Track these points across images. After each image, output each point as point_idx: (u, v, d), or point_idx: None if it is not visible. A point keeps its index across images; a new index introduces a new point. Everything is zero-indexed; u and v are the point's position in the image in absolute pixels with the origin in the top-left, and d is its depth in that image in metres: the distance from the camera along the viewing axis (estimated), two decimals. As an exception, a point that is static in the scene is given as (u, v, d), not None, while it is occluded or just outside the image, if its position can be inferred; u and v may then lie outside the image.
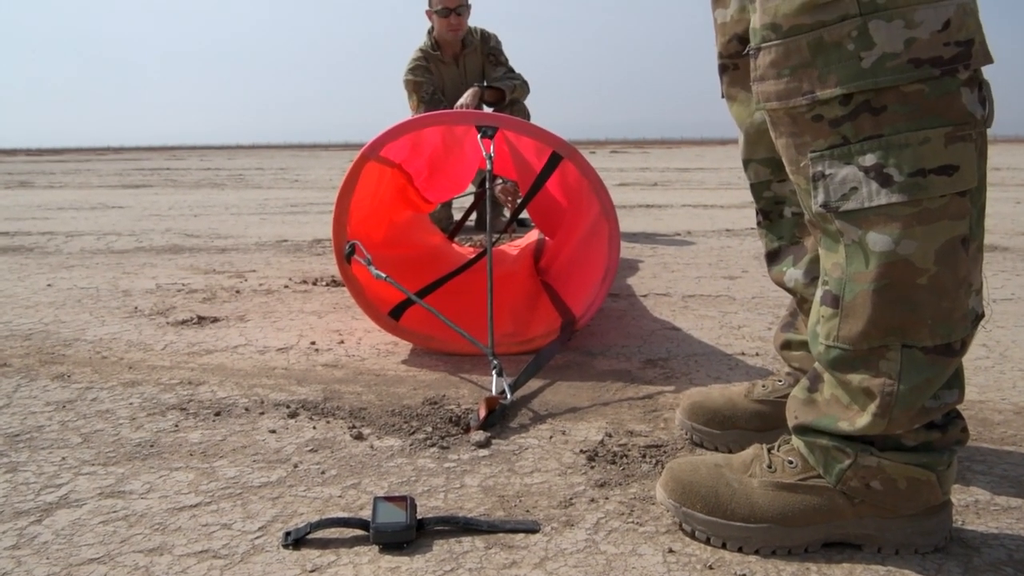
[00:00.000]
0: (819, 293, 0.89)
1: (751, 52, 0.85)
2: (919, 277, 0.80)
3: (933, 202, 0.78)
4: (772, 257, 1.17)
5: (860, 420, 0.86)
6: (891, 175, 0.78)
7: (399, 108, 3.97)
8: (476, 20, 3.81)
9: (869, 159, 0.79)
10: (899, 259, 0.80)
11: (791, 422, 0.94)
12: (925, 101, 0.76)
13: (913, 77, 0.75)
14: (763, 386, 1.23)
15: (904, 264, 0.80)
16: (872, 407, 0.85)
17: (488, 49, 3.88)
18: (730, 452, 1.18)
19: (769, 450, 0.97)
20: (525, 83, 3.78)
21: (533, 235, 3.09)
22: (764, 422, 1.20)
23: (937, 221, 0.78)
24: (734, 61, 1.10)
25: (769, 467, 0.94)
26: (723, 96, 1.14)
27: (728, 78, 1.12)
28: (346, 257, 1.74)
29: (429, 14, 3.78)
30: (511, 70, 3.86)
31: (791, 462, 0.93)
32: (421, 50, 3.82)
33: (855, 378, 0.86)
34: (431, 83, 3.75)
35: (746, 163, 1.14)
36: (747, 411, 1.21)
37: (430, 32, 3.83)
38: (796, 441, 0.94)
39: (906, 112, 0.77)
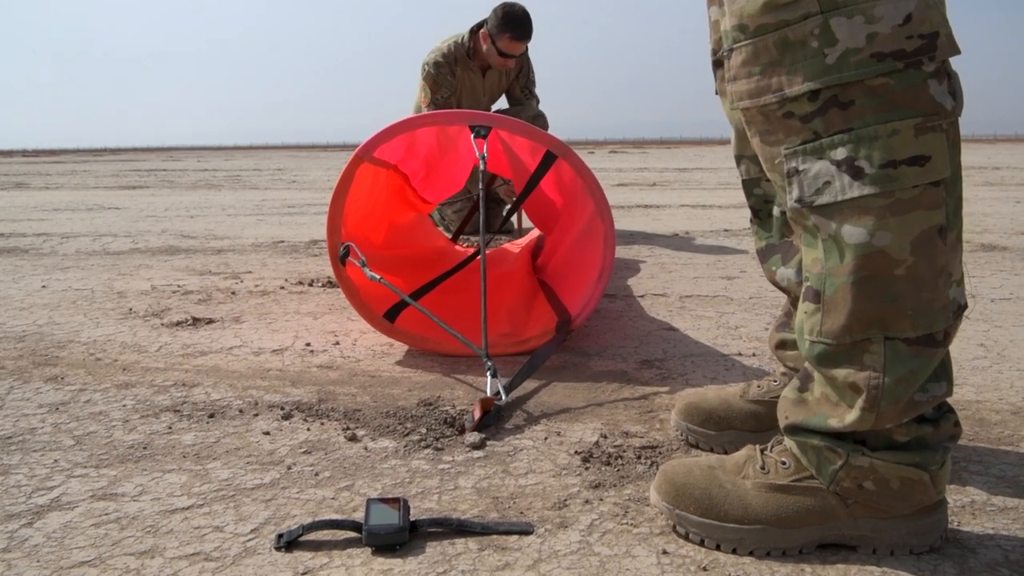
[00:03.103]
0: (803, 290, 0.89)
1: (724, 53, 0.86)
2: (896, 268, 0.80)
3: (906, 193, 0.78)
4: (762, 255, 1.17)
5: (849, 416, 0.86)
6: (862, 167, 0.78)
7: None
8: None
9: (840, 153, 0.79)
10: (875, 251, 0.80)
11: (782, 422, 0.94)
12: (892, 94, 0.77)
13: (877, 71, 0.76)
14: (758, 386, 1.23)
15: (880, 256, 0.80)
16: (859, 402, 0.85)
17: (524, 75, 3.89)
18: (725, 453, 1.18)
19: (762, 451, 0.96)
20: (545, 120, 3.86)
21: (535, 233, 3.08)
22: (759, 423, 1.20)
23: (911, 211, 0.79)
24: None
25: (762, 468, 0.94)
26: (716, 93, 1.14)
27: (721, 74, 1.11)
28: (340, 259, 1.73)
29: (485, 36, 3.62)
30: (532, 94, 3.92)
31: (784, 463, 0.93)
32: (457, 45, 3.67)
33: (840, 373, 0.86)
34: (450, 88, 3.67)
35: (738, 159, 1.15)
36: (742, 412, 1.20)
37: (473, 33, 3.69)
38: (788, 442, 0.94)
39: (874, 105, 0.77)
